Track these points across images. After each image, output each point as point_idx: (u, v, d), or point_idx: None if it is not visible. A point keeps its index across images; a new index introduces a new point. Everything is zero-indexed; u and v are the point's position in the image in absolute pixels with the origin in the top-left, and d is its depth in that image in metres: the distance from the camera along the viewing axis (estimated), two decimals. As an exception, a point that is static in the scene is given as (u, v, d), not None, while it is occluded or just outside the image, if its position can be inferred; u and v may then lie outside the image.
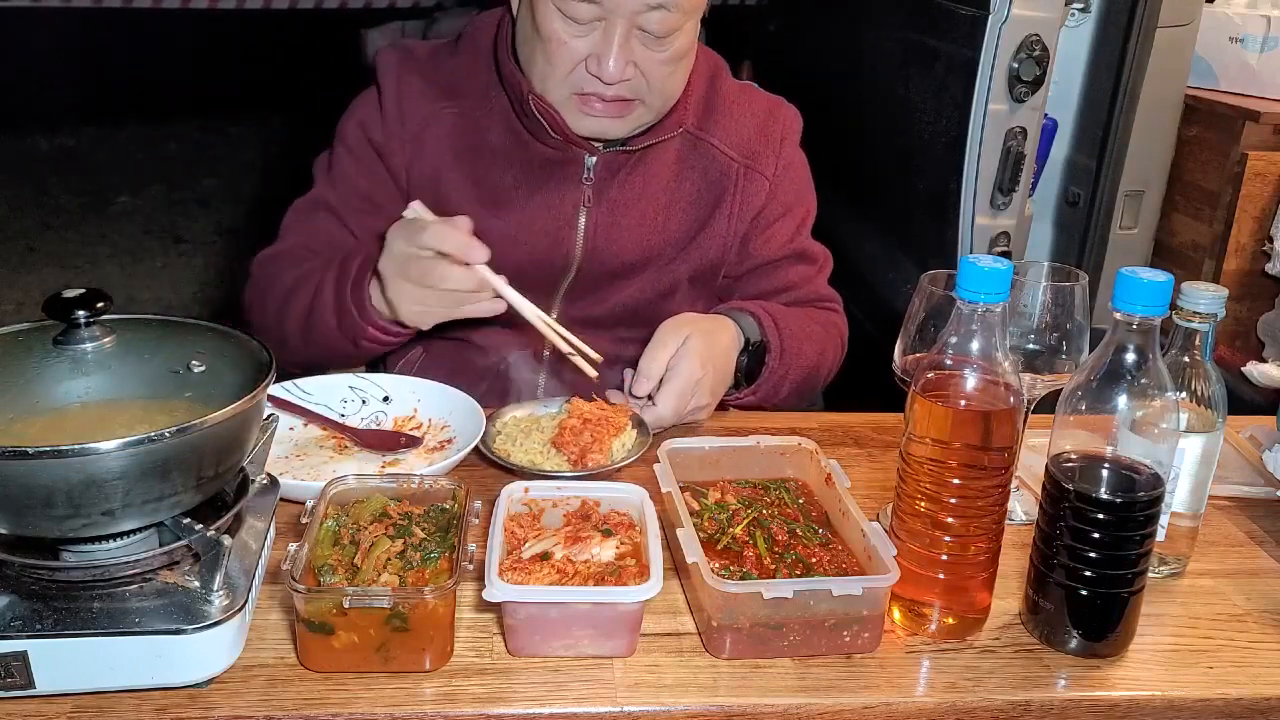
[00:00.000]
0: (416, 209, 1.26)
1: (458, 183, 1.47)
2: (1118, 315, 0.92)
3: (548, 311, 1.54)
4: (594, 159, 1.46)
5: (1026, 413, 1.11)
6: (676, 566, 1.06)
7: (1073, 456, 0.95)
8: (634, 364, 1.45)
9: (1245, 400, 2.26)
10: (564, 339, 1.29)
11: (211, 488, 0.92)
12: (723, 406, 1.61)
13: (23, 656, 0.83)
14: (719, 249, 1.54)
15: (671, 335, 1.33)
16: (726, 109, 1.54)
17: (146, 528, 0.90)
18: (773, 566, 1.01)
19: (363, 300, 1.30)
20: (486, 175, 1.47)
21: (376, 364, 1.71)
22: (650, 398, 1.32)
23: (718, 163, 1.52)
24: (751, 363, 1.45)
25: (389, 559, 0.95)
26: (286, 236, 1.51)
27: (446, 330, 1.56)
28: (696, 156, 1.52)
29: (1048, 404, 1.07)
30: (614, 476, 1.20)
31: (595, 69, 1.32)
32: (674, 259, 1.53)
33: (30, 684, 0.84)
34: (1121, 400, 0.92)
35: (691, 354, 1.32)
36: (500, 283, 1.24)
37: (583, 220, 1.47)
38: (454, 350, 1.56)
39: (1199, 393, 1.06)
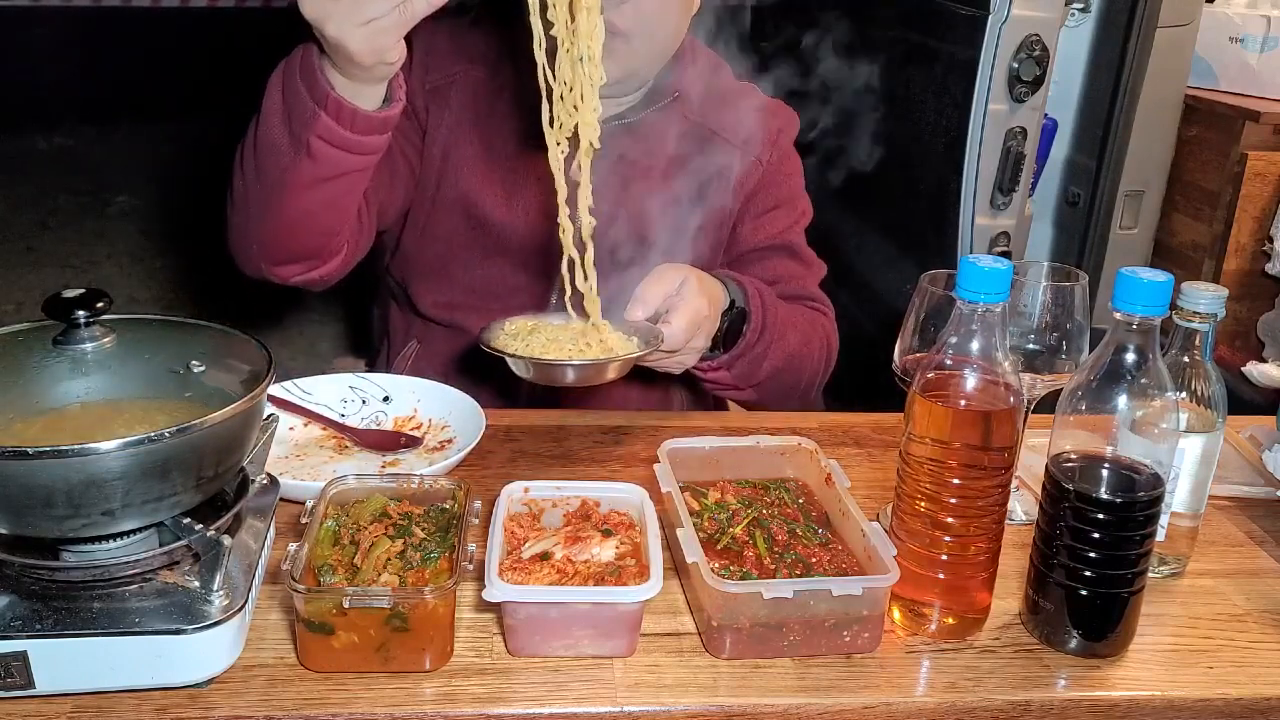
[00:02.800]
0: None
1: (471, 145, 1.49)
2: (1118, 315, 0.92)
3: (548, 298, 1.52)
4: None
5: (1026, 413, 1.11)
6: (676, 566, 1.06)
7: (1073, 456, 0.95)
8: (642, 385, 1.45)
9: (1245, 400, 2.26)
10: None
11: (211, 488, 0.92)
12: (694, 384, 1.60)
13: (23, 656, 0.83)
14: (715, 227, 1.55)
15: (671, 271, 1.30)
16: (727, 101, 1.57)
17: (146, 528, 0.90)
18: (773, 566, 1.01)
19: (312, 71, 1.17)
20: (494, 142, 1.49)
21: (374, 359, 1.72)
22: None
23: (715, 146, 1.55)
24: (730, 330, 1.41)
25: (389, 559, 0.95)
26: None
27: (441, 316, 1.55)
28: (695, 142, 1.54)
29: (1048, 404, 1.07)
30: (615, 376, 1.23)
31: None
32: (672, 240, 1.51)
33: (30, 684, 0.84)
34: (1121, 400, 0.92)
35: (697, 291, 1.30)
36: None
37: (580, 199, 1.43)
38: (448, 340, 1.56)
39: (1199, 393, 1.06)
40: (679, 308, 1.28)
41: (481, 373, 1.54)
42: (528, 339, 1.26)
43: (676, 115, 1.53)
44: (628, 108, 1.51)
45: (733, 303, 1.40)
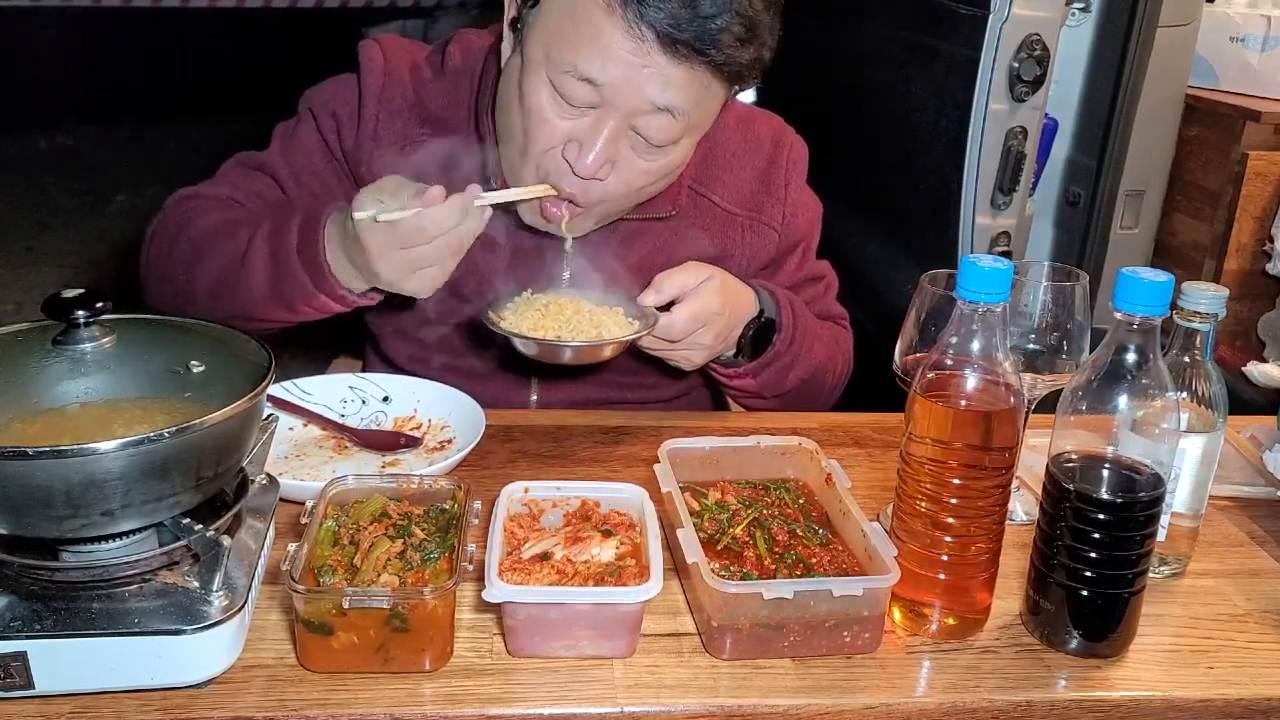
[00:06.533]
0: (370, 212, 1.13)
1: None
2: (1118, 315, 0.92)
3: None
4: None
5: (1027, 413, 1.11)
6: (676, 567, 1.06)
7: (1073, 456, 0.95)
8: (631, 405, 1.42)
9: (1245, 400, 2.26)
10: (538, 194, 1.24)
11: (211, 488, 0.92)
12: (719, 394, 1.59)
13: (22, 657, 0.83)
14: None
15: (696, 268, 1.28)
16: (726, 161, 1.46)
17: (146, 528, 0.90)
18: (773, 567, 1.01)
19: (320, 269, 1.20)
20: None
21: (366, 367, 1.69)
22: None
23: (719, 219, 1.46)
24: (756, 339, 1.39)
25: (389, 559, 0.95)
26: (218, 183, 1.43)
27: (416, 370, 1.48)
28: (697, 213, 1.45)
29: (1048, 404, 1.07)
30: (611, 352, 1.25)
31: (572, 156, 1.21)
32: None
33: (30, 684, 0.84)
34: (1122, 400, 0.92)
35: (715, 290, 1.27)
36: (490, 197, 1.17)
37: (566, 275, 1.38)
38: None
39: (1199, 393, 1.06)
40: (688, 300, 1.26)
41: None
42: (530, 315, 1.26)
43: (680, 205, 1.43)
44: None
45: (761, 312, 1.38)
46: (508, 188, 1.29)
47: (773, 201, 1.48)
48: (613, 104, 1.18)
